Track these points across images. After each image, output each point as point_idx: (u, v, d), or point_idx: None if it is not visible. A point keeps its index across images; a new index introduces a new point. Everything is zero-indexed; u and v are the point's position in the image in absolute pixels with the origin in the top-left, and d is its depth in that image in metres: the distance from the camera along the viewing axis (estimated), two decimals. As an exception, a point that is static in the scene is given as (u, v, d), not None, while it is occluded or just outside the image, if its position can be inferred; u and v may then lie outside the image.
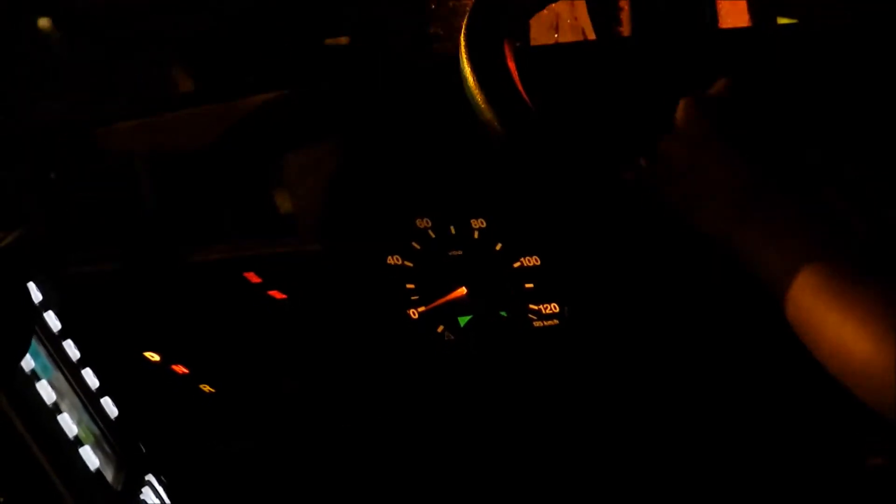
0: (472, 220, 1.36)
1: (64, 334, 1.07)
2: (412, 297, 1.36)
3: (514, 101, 1.09)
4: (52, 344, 1.05)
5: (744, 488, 1.32)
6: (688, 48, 1.37)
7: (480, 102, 1.08)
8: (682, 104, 1.05)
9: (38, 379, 0.97)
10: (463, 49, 1.10)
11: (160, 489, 1.08)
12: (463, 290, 1.35)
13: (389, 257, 1.36)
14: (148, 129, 1.31)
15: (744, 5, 1.64)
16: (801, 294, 0.92)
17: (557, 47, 1.59)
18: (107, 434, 1.06)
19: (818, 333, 0.91)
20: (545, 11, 1.44)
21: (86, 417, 1.03)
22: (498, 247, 1.36)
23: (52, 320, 1.08)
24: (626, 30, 1.53)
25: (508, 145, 1.08)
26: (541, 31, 1.66)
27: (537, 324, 1.35)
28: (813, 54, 1.38)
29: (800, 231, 0.95)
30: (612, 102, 1.36)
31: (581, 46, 1.61)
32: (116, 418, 1.09)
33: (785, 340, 1.21)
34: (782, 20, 1.51)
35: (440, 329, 1.36)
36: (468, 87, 1.09)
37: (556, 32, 1.67)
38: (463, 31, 1.11)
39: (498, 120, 1.08)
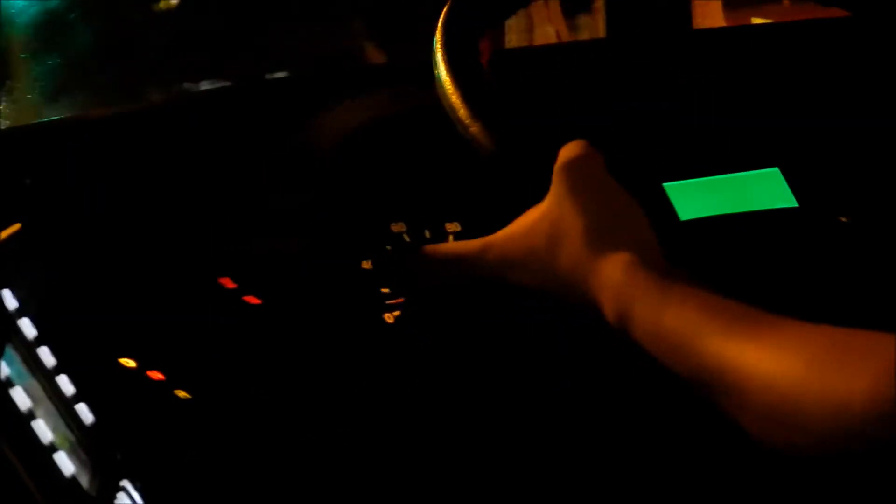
0: (446, 224, 1.37)
1: (39, 341, 1.07)
2: (387, 302, 1.36)
3: (499, 116, 1.09)
4: (27, 350, 1.05)
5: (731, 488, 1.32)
6: (663, 49, 1.37)
7: (463, 117, 1.08)
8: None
9: (13, 385, 0.96)
10: (441, 66, 1.10)
11: (136, 495, 1.08)
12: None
13: (364, 262, 1.36)
14: (120, 129, 1.31)
15: (717, 5, 1.64)
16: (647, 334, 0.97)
17: (532, 49, 1.60)
18: (82, 440, 1.05)
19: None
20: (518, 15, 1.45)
21: (61, 424, 1.03)
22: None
23: (28, 327, 1.07)
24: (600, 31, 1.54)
25: (496, 160, 1.09)
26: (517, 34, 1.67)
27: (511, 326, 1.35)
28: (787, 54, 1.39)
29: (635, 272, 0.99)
30: (588, 105, 1.37)
31: (555, 49, 1.62)
32: (92, 424, 1.08)
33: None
34: (756, 20, 1.52)
35: (416, 333, 1.36)
36: (450, 107, 1.09)
37: (532, 35, 1.68)
38: (438, 44, 1.11)
39: (485, 137, 1.08)
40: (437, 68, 1.09)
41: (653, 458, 1.33)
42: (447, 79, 1.08)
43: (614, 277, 1.01)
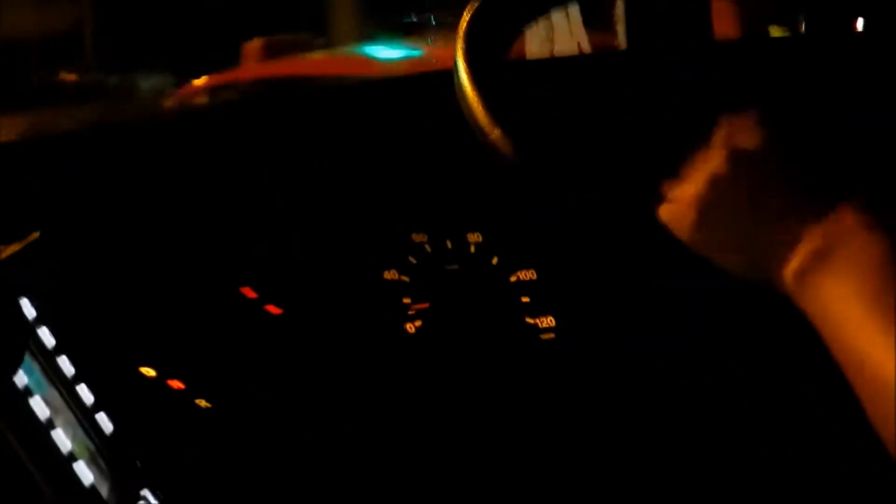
0: (468, 235, 1.37)
1: (58, 350, 1.07)
2: (409, 312, 1.35)
3: (519, 122, 1.08)
4: (47, 359, 1.05)
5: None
6: (684, 60, 1.37)
7: (484, 123, 1.07)
8: (729, 122, 0.93)
9: (32, 394, 0.96)
10: (462, 69, 1.09)
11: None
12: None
13: (386, 272, 1.36)
14: (143, 137, 1.31)
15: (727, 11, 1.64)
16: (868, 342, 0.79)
17: (553, 60, 1.60)
18: (102, 449, 1.05)
19: None
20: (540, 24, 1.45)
21: (80, 433, 1.03)
22: (494, 261, 1.36)
23: (47, 336, 1.07)
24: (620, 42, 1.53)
25: (518, 163, 1.08)
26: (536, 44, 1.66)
27: (534, 337, 1.35)
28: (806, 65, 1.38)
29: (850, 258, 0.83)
30: (609, 116, 1.36)
31: (576, 60, 1.61)
32: (111, 434, 1.08)
33: (784, 357, 1.21)
34: (775, 32, 1.51)
35: (437, 343, 1.36)
36: (470, 113, 1.08)
37: (553, 45, 1.67)
38: (458, 49, 1.10)
39: (506, 140, 1.07)
40: (457, 75, 1.08)
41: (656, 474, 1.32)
42: (468, 85, 1.08)
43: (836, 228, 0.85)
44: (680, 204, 0.93)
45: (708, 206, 0.90)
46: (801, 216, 0.86)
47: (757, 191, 0.89)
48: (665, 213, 0.94)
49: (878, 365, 0.78)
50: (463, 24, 1.09)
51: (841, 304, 0.82)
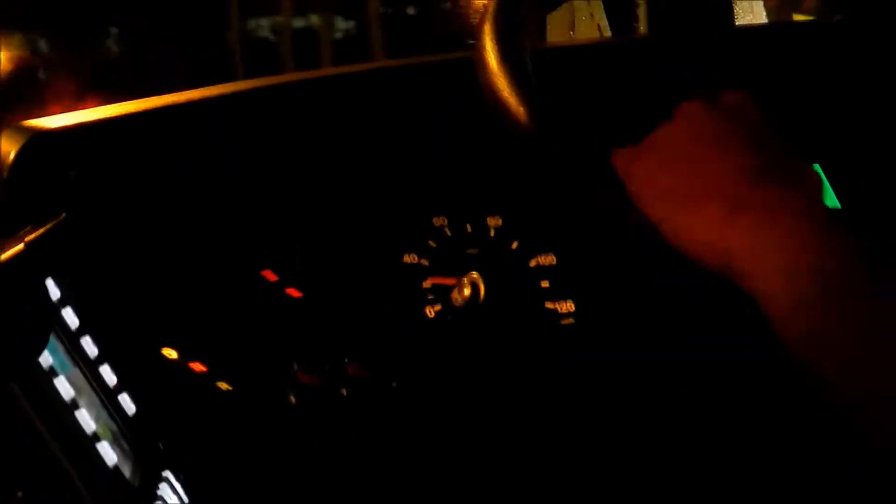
0: (488, 218, 1.37)
1: (82, 330, 1.08)
2: (428, 296, 1.36)
3: (540, 98, 1.08)
4: (71, 340, 1.05)
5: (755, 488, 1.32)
6: (706, 47, 1.37)
7: (508, 99, 1.07)
8: (691, 100, 0.97)
9: (57, 375, 0.97)
10: (487, 46, 1.09)
11: (178, 486, 1.09)
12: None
13: (405, 255, 1.36)
14: (166, 121, 1.32)
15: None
16: (816, 298, 0.77)
17: (574, 47, 1.59)
18: (124, 430, 1.06)
19: (842, 347, 0.76)
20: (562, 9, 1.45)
21: (104, 414, 1.04)
22: (514, 245, 1.36)
23: (71, 316, 1.08)
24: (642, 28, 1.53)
25: (534, 142, 1.07)
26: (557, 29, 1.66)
27: (554, 322, 1.35)
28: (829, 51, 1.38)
29: (809, 217, 0.82)
30: (628, 102, 1.36)
31: (598, 46, 1.61)
32: (134, 415, 1.09)
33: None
34: (798, 17, 1.51)
35: (456, 327, 1.36)
36: (494, 86, 1.08)
37: (573, 31, 1.67)
38: (485, 28, 1.10)
39: (526, 116, 1.06)
40: (483, 52, 1.08)
41: (672, 461, 1.33)
42: (494, 63, 1.07)
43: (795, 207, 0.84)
44: (645, 148, 0.96)
45: (661, 157, 0.94)
46: (759, 172, 0.87)
47: (725, 139, 0.91)
48: (625, 157, 0.98)
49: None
50: (490, 6, 1.10)
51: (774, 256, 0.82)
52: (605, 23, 1.74)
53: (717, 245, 0.87)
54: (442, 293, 1.36)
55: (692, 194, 0.90)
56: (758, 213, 0.84)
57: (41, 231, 1.06)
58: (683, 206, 0.90)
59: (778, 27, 1.61)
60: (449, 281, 1.35)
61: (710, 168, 0.89)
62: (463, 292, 1.32)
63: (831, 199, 1.40)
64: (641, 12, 1.68)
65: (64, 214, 1.12)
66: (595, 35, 1.72)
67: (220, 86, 1.38)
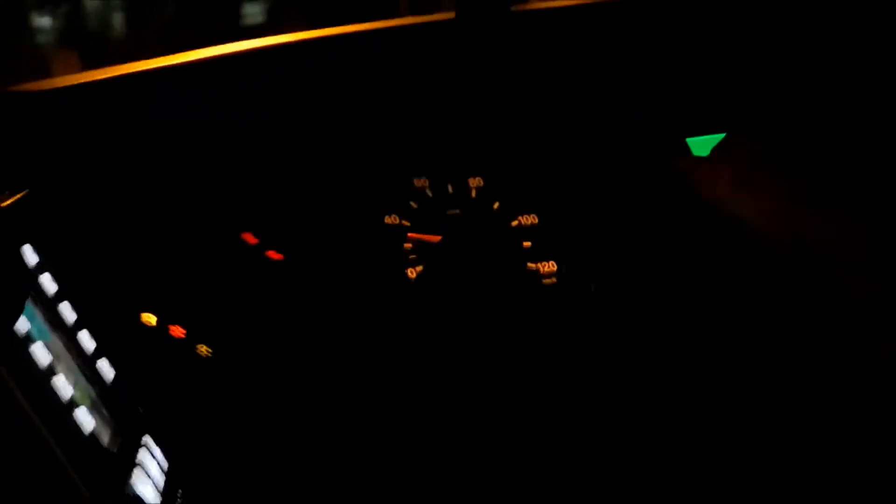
0: (469, 179, 1.36)
1: (60, 297, 1.07)
2: (410, 257, 1.35)
3: None
4: (48, 306, 1.05)
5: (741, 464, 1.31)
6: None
7: None
8: None
9: (33, 341, 0.96)
10: None
11: (157, 451, 1.08)
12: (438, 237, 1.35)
13: (387, 217, 1.36)
14: (143, 89, 1.31)
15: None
16: None
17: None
18: (103, 396, 1.05)
19: None
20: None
21: (82, 380, 1.03)
22: (495, 206, 1.36)
23: (48, 283, 1.07)
24: None
25: None
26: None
27: (536, 281, 1.35)
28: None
29: None
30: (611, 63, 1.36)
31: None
32: (113, 381, 1.08)
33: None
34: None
35: (438, 288, 1.36)
36: None
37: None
38: None
39: None
40: None
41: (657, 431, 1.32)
42: None
43: None
44: None
45: None
46: None
47: None
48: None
49: None
50: None
51: None
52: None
53: None
54: (423, 254, 1.35)
55: None
56: None
57: (15, 197, 1.05)
58: None
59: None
60: (430, 238, 1.35)
61: None
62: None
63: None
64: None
65: (39, 181, 1.11)
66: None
67: (202, 50, 1.37)
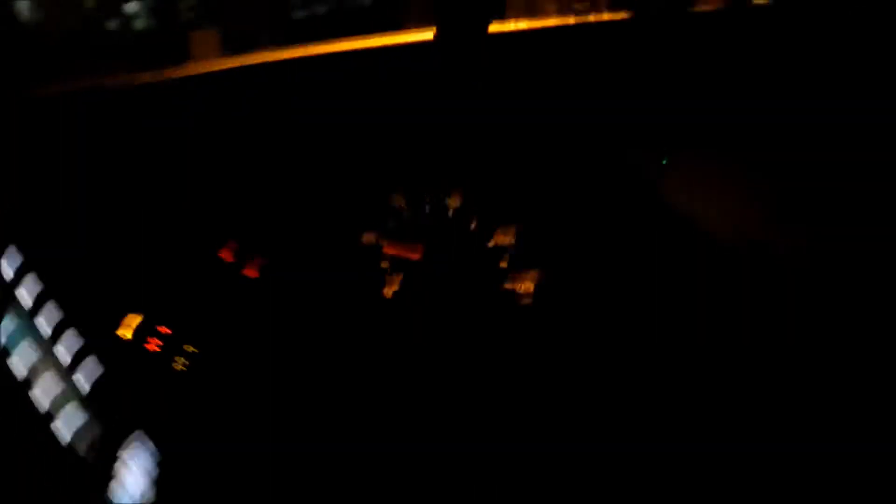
0: (447, 199, 1.36)
1: (37, 308, 1.07)
2: (386, 276, 1.35)
3: None
4: (27, 316, 1.04)
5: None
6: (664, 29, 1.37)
7: None
8: None
9: (10, 354, 0.96)
10: None
11: (138, 458, 1.08)
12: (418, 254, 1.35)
13: (364, 235, 1.36)
14: (119, 98, 1.31)
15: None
16: None
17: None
18: (81, 406, 1.05)
19: None
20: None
21: (60, 390, 1.03)
22: (473, 225, 1.36)
23: (25, 295, 1.07)
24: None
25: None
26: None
27: (513, 301, 1.35)
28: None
29: None
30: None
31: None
32: (89, 394, 1.08)
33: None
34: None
35: (415, 308, 1.36)
36: None
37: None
38: None
39: None
40: None
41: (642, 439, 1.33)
42: None
43: None
44: None
45: None
46: None
47: None
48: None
49: None
50: None
51: None
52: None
53: None
54: (400, 272, 1.35)
55: None
56: None
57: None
58: None
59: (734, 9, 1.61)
60: (408, 253, 1.35)
61: None
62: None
63: None
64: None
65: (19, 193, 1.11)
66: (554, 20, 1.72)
67: (183, 67, 1.37)
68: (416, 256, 1.35)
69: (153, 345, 1.24)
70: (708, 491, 1.26)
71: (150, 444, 1.11)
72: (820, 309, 1.26)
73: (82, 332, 1.10)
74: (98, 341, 1.17)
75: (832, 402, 1.25)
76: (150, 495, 1.06)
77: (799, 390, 1.27)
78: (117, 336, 1.24)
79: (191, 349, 1.25)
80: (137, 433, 1.11)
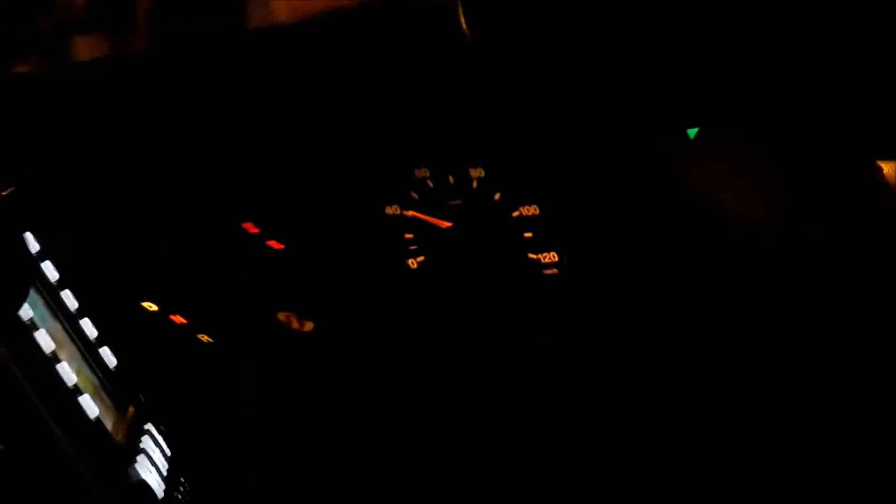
0: (470, 170, 1.36)
1: (62, 284, 1.07)
2: (410, 247, 1.35)
3: None
4: (51, 294, 1.05)
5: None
6: None
7: None
8: None
9: (37, 328, 0.96)
10: None
11: (160, 438, 1.09)
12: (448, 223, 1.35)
13: (388, 207, 1.36)
14: (142, 75, 1.31)
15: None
16: None
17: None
18: (106, 383, 1.06)
19: None
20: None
21: (85, 367, 1.03)
22: (497, 196, 1.35)
23: (51, 270, 1.07)
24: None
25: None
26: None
27: (537, 274, 1.35)
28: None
29: None
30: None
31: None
32: (115, 368, 1.09)
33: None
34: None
35: (439, 279, 1.36)
36: None
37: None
38: None
39: None
40: None
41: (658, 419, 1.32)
42: None
43: None
44: None
45: None
46: None
47: None
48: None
49: None
50: None
51: None
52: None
53: None
54: (424, 244, 1.35)
55: None
56: None
57: (21, 185, 1.05)
58: None
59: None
60: (439, 222, 1.35)
61: None
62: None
63: None
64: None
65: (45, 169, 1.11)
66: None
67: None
68: (445, 225, 1.35)
69: (179, 317, 1.25)
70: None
71: (174, 420, 1.12)
72: (841, 305, 1.25)
73: (107, 308, 1.10)
74: (123, 316, 1.18)
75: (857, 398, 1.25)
76: (174, 472, 1.07)
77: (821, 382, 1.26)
78: (143, 308, 1.25)
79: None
80: (162, 409, 1.12)
